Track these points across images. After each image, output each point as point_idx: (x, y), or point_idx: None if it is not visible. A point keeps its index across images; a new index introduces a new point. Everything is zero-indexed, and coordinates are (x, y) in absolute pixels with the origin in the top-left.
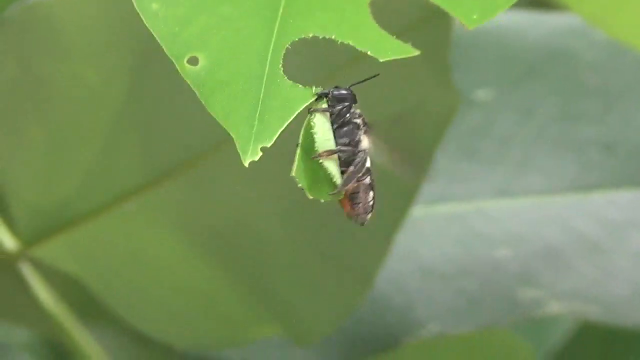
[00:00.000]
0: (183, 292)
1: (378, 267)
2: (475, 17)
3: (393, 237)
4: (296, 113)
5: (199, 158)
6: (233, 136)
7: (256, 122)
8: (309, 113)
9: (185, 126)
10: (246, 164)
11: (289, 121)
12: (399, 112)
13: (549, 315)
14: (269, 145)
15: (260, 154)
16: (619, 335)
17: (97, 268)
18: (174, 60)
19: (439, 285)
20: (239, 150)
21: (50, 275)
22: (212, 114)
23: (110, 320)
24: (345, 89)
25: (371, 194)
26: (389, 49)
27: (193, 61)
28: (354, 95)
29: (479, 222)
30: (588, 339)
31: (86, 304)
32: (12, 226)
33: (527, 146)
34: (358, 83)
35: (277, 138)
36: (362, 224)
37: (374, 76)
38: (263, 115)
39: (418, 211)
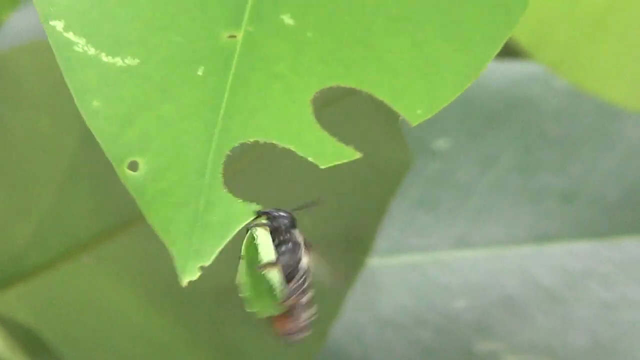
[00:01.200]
0: (141, 343)
1: (332, 319)
2: (419, 112)
3: (347, 290)
4: (236, 231)
5: None
6: (171, 253)
7: (194, 240)
8: (248, 229)
9: None
10: (184, 284)
11: (228, 239)
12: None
13: None
14: (207, 264)
15: (199, 273)
16: None
17: (55, 319)
18: (113, 164)
19: (395, 335)
20: (177, 270)
21: (8, 325)
22: (150, 224)
23: None
24: (285, 211)
25: (309, 312)
26: (330, 153)
27: (133, 166)
28: (294, 218)
29: (436, 272)
30: None
31: (44, 355)
32: None
33: (486, 196)
34: (299, 209)
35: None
36: (294, 342)
37: (313, 204)
38: (202, 232)
39: (375, 262)
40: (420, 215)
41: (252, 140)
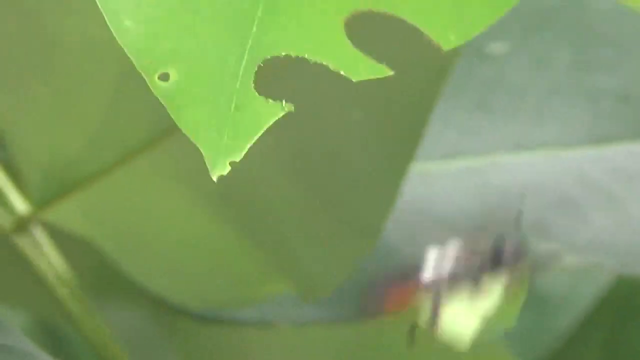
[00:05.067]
0: (194, 250)
1: (384, 219)
2: (452, 38)
3: (399, 188)
4: (265, 128)
5: None
6: (202, 151)
7: (225, 137)
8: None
9: None
10: (215, 179)
11: (257, 136)
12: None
13: (565, 268)
14: (238, 159)
15: (229, 168)
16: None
17: (109, 228)
18: (145, 78)
19: (452, 236)
20: (208, 165)
21: (63, 239)
22: (181, 127)
23: (122, 290)
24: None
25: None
26: (362, 68)
27: (164, 77)
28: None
29: (494, 175)
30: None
31: (98, 271)
32: (23, 189)
33: (541, 98)
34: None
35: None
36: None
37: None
38: (232, 130)
39: (431, 166)
40: (476, 119)
41: (284, 54)
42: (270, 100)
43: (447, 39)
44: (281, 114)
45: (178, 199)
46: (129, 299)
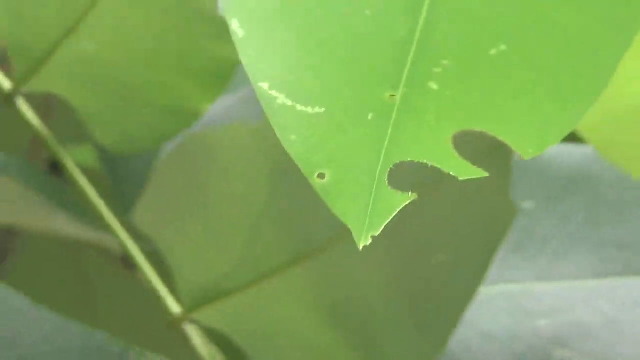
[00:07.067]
0: (310, 352)
1: (452, 330)
2: (530, 150)
3: (468, 305)
4: (397, 211)
5: (326, 246)
6: (351, 229)
7: (367, 219)
8: None
9: (313, 219)
10: (360, 248)
11: (392, 217)
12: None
13: None
14: (377, 233)
15: (371, 240)
16: None
17: (247, 330)
18: (307, 177)
19: (494, 345)
20: (355, 238)
21: (209, 334)
22: (335, 214)
23: None
24: None
25: None
26: (466, 171)
27: (321, 176)
28: None
29: (523, 299)
30: None
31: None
32: (177, 296)
33: (560, 244)
34: None
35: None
36: None
37: None
38: (373, 214)
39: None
40: (512, 256)
41: (409, 160)
42: (400, 193)
43: (527, 151)
44: (408, 202)
45: (301, 312)
46: None
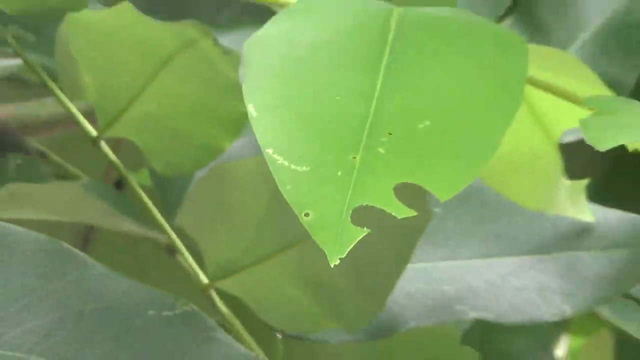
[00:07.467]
0: (295, 308)
1: (389, 293)
2: (446, 194)
3: (399, 277)
4: (357, 241)
5: (309, 237)
6: (326, 253)
7: (337, 246)
8: None
9: (291, 221)
10: (332, 266)
11: (353, 244)
12: None
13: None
14: (344, 255)
15: (339, 261)
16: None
17: (255, 294)
18: (297, 215)
19: (415, 302)
20: (328, 259)
21: (227, 298)
22: (316, 241)
23: (262, 326)
24: None
25: None
26: (402, 211)
27: (307, 215)
28: None
29: (435, 272)
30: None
31: (251, 320)
32: (204, 271)
33: (460, 236)
34: None
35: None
36: None
37: None
38: (341, 242)
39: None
40: (427, 245)
41: (370, 204)
42: (359, 227)
43: (442, 195)
44: (363, 234)
45: (294, 282)
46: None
